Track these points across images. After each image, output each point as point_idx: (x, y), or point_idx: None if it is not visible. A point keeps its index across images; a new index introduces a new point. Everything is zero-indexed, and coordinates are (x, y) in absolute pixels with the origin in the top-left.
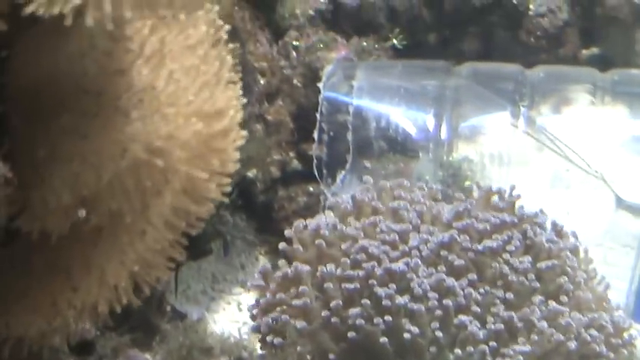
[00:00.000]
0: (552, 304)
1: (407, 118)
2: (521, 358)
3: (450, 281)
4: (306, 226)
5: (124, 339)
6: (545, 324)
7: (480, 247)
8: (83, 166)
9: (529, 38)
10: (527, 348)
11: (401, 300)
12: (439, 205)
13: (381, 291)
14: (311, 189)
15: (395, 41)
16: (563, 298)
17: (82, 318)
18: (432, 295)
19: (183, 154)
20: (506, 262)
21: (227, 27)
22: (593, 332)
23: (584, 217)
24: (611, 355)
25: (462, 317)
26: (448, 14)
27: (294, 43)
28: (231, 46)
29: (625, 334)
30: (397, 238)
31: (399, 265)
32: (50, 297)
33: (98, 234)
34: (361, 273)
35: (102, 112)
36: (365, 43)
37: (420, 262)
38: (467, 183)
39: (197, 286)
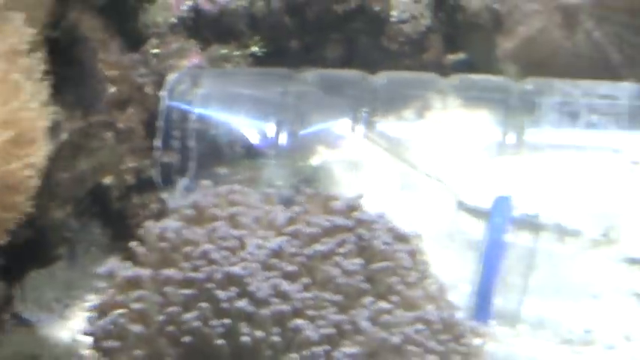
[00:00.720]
0: (381, 304)
1: (249, 126)
2: None
3: (286, 285)
4: (153, 230)
5: None
6: (368, 323)
7: (310, 251)
8: None
9: (391, 44)
10: (354, 350)
11: (240, 304)
12: (276, 209)
13: (221, 294)
14: (164, 196)
15: (255, 48)
16: (393, 298)
17: None
18: (268, 299)
19: None
20: (337, 265)
21: (33, 37)
22: (419, 327)
23: (428, 219)
24: (440, 348)
25: (298, 321)
26: (310, 21)
27: (154, 51)
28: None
29: (456, 330)
30: (236, 243)
31: (238, 270)
32: None
33: None
34: (201, 276)
35: None
36: (225, 50)
37: (258, 267)
38: (322, 185)
39: (50, 294)
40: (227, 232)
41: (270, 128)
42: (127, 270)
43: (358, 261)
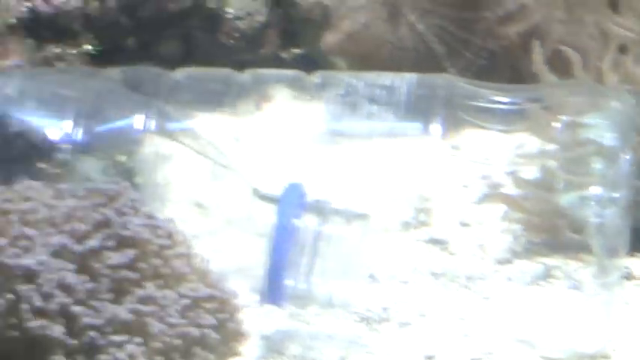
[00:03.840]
0: (149, 288)
1: (47, 123)
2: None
3: (72, 279)
4: None
5: None
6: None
7: (82, 248)
8: None
9: (228, 40)
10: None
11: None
12: (63, 204)
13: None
14: None
15: (90, 47)
16: (157, 282)
17: None
18: (56, 292)
19: None
20: (105, 260)
21: None
22: (184, 301)
23: (228, 207)
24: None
25: (78, 308)
26: (146, 19)
27: None
28: None
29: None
30: (28, 238)
31: (30, 262)
32: None
33: None
34: None
35: None
36: (59, 50)
37: (50, 262)
38: (137, 180)
39: None
40: (18, 228)
41: (67, 125)
42: None
43: (119, 254)
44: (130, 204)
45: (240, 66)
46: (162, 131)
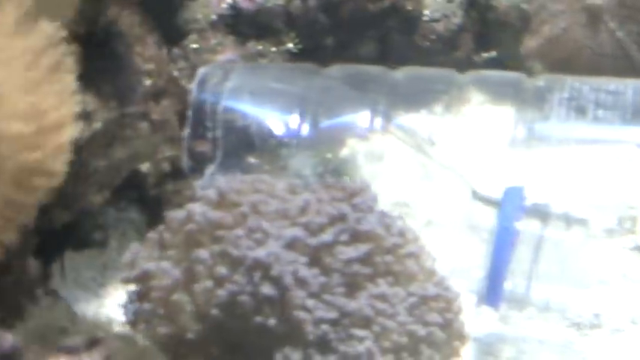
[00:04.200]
0: (377, 284)
1: (273, 117)
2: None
3: (305, 272)
4: (175, 216)
5: None
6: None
7: (316, 241)
8: None
9: (424, 42)
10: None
11: (265, 289)
12: (299, 198)
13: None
14: (195, 183)
15: (291, 45)
16: (388, 278)
17: None
18: (290, 283)
19: (9, 150)
20: (338, 253)
21: (63, 33)
22: (413, 299)
23: (443, 208)
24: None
25: (311, 302)
26: (345, 19)
27: (193, 45)
28: (67, 51)
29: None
30: (262, 229)
31: (263, 254)
32: None
33: None
34: (231, 260)
35: None
36: (261, 47)
37: (280, 254)
38: (346, 179)
39: (87, 274)
40: (254, 219)
41: (293, 120)
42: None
43: (353, 249)
44: (367, 202)
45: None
46: (385, 129)
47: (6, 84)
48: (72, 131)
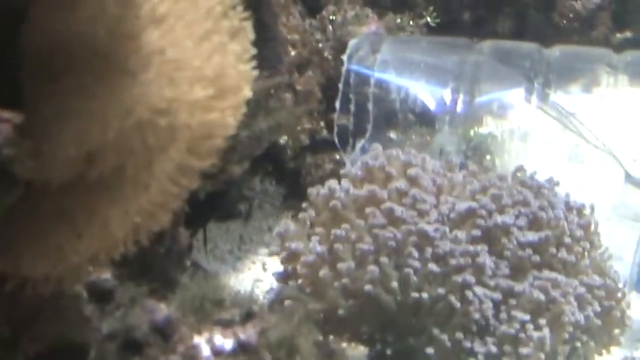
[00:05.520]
0: (546, 272)
1: (426, 92)
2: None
3: (476, 253)
4: (318, 193)
5: (141, 289)
6: (534, 292)
7: (498, 220)
8: (89, 123)
9: (561, 20)
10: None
11: (431, 266)
12: (457, 175)
13: (410, 251)
14: (337, 157)
15: (429, 19)
16: (558, 267)
17: (88, 264)
18: (454, 261)
19: (188, 115)
20: (513, 236)
21: None
22: (581, 290)
23: (595, 192)
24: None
25: (476, 289)
26: None
27: (331, 17)
28: (243, 15)
29: (617, 298)
30: (422, 203)
31: (429, 229)
32: (56, 242)
33: (103, 185)
34: (392, 234)
35: (110, 73)
36: (399, 20)
37: (446, 229)
38: (487, 157)
39: (224, 246)
40: (417, 193)
41: (446, 95)
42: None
43: (532, 234)
44: (554, 191)
45: None
46: (540, 107)
47: (188, 49)
48: (247, 93)
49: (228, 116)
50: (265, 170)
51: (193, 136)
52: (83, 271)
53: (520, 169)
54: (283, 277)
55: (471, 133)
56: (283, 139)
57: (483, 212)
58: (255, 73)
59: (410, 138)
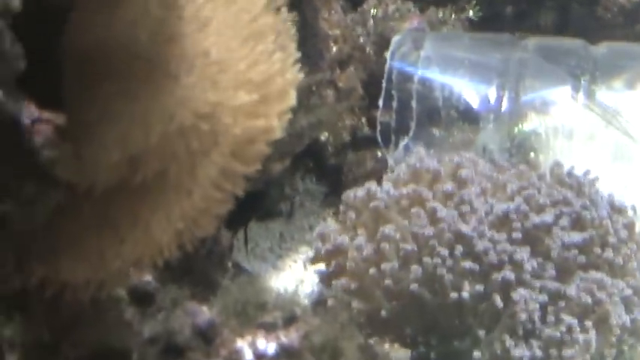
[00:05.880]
0: (592, 273)
1: (470, 89)
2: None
3: (514, 251)
4: (356, 195)
5: (183, 292)
6: (580, 293)
7: (536, 220)
8: (132, 127)
9: (605, 14)
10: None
11: (467, 264)
12: (504, 176)
13: (445, 251)
14: (379, 154)
15: (471, 12)
16: (604, 268)
17: (131, 269)
18: (495, 261)
19: (231, 120)
20: (557, 237)
21: None
22: (628, 292)
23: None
24: None
25: (521, 290)
26: None
27: (372, 11)
28: (289, 15)
29: None
30: (465, 203)
31: (467, 230)
32: (98, 247)
33: (146, 190)
34: (428, 232)
35: (152, 76)
36: (441, 14)
37: (486, 229)
38: (531, 155)
39: (265, 244)
40: (466, 195)
41: (491, 93)
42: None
43: (576, 234)
44: (596, 189)
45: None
46: (587, 106)
47: (233, 51)
48: (293, 98)
49: (273, 122)
50: (306, 167)
51: (237, 141)
52: (124, 275)
53: (557, 164)
54: (327, 276)
55: (515, 130)
56: (324, 136)
57: (519, 214)
58: (300, 75)
59: (452, 135)
